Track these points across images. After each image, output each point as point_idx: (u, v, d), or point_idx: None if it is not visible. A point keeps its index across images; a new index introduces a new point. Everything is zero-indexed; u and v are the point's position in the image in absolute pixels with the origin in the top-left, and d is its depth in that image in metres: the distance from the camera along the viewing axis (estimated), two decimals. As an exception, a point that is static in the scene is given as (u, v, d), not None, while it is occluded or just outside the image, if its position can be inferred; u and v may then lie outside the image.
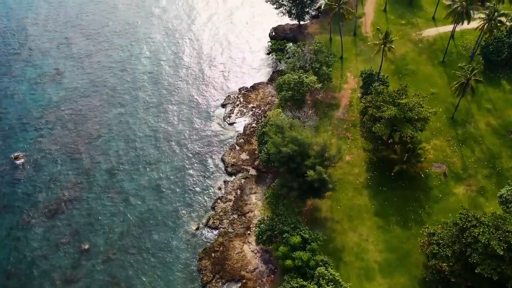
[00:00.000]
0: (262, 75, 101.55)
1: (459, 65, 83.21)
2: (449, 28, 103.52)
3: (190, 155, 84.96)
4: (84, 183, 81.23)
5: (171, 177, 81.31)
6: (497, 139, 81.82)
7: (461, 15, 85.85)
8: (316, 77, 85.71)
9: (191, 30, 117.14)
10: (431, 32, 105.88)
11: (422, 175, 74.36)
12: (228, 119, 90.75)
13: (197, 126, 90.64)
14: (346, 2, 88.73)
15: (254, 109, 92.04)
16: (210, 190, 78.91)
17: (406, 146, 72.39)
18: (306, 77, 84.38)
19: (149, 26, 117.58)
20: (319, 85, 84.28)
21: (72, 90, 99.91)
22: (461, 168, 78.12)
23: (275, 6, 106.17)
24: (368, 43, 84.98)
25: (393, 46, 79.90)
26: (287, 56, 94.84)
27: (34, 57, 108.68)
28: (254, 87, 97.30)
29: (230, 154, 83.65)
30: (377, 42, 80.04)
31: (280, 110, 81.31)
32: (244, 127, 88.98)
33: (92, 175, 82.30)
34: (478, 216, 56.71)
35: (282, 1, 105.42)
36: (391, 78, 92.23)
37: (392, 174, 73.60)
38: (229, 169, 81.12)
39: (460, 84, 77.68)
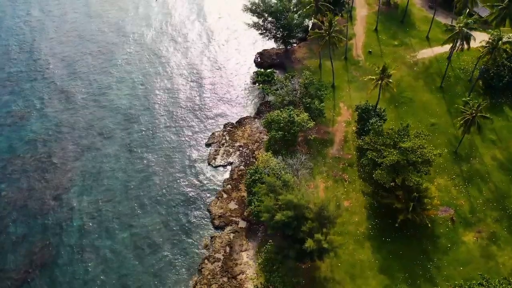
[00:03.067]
0: (249, 108, 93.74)
1: (463, 99, 76.95)
2: (444, 48, 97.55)
3: (172, 206, 76.68)
4: (53, 245, 72.26)
5: (152, 234, 72.91)
6: (504, 175, 75.75)
7: (461, 41, 79.61)
8: (307, 114, 78.48)
9: (170, 56, 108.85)
10: (426, 53, 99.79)
11: (429, 225, 67.65)
12: (214, 161, 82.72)
13: (179, 171, 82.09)
14: (337, 29, 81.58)
15: (241, 148, 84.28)
16: (195, 249, 70.79)
17: (411, 195, 65.60)
18: (297, 115, 77.14)
19: (119, 63, 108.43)
20: (312, 123, 77.00)
21: (40, 132, 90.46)
22: (469, 211, 71.76)
23: (259, 31, 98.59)
24: (365, 80, 77.96)
25: (391, 81, 73.05)
26: (275, 88, 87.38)
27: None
28: (241, 122, 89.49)
29: (216, 203, 75.77)
30: (373, 78, 73.09)
31: (270, 155, 73.79)
32: (231, 170, 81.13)
33: (62, 235, 73.29)
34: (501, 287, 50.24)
35: (267, 25, 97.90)
36: (387, 107, 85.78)
37: (396, 224, 66.87)
38: (216, 222, 73.23)
39: (465, 121, 71.36)
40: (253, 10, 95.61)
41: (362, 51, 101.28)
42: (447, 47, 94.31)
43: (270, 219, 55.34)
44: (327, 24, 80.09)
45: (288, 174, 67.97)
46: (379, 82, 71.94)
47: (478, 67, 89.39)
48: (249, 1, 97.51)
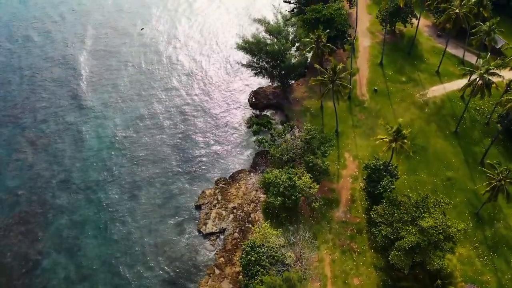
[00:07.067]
0: (243, 159, 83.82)
1: (489, 161, 67.82)
2: (456, 84, 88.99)
3: (156, 286, 66.86)
4: (19, 337, 62.52)
5: (133, 323, 63.40)
6: (534, 243, 66.99)
7: (481, 87, 70.66)
8: (310, 175, 69.05)
9: (152, 98, 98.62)
10: (437, 91, 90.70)
11: (454, 313, 58.63)
12: (204, 227, 72.90)
13: (164, 240, 71.58)
14: (342, 76, 72.22)
15: (235, 210, 74.62)
16: None
17: (434, 283, 56.48)
18: (299, 178, 67.71)
19: (94, 106, 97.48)
20: (316, 188, 67.58)
21: (11, 188, 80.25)
22: (497, 290, 62.91)
23: (254, 72, 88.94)
24: (376, 142, 68.56)
25: (406, 141, 63.80)
26: (272, 139, 78.08)
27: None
28: (234, 177, 79.77)
29: (208, 282, 66.10)
30: (386, 139, 63.78)
31: (268, 226, 64.29)
32: (225, 238, 71.43)
33: (30, 325, 63.70)
34: None
35: (262, 64, 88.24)
36: (397, 158, 76.26)
37: (417, 313, 57.85)
38: (208, 307, 63.75)
39: (492, 187, 62.35)
40: (247, 48, 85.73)
41: (366, 89, 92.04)
42: (459, 83, 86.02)
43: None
44: (331, 71, 70.66)
45: (290, 254, 58.85)
46: (392, 144, 62.58)
47: (496, 110, 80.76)
48: (241, 39, 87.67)
